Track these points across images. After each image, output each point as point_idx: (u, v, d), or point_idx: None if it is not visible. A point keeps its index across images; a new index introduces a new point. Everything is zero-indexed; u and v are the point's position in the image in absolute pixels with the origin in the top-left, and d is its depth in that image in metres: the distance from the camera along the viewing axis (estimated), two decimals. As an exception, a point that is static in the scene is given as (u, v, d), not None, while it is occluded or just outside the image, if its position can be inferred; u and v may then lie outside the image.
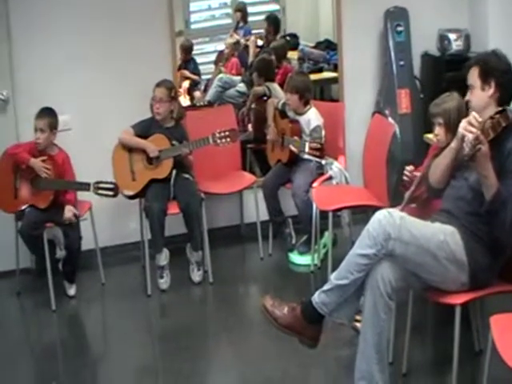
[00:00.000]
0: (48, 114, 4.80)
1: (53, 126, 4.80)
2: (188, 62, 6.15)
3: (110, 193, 4.78)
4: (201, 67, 6.30)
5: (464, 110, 3.66)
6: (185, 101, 6.02)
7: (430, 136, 4.59)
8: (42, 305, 4.83)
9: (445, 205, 3.41)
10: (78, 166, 4.95)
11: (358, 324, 3.47)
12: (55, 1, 5.14)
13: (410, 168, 3.87)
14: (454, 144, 3.30)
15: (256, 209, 5.42)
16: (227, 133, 4.97)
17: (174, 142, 4.99)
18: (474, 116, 3.09)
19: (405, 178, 3.87)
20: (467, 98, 3.39)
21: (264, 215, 5.44)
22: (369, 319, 3.19)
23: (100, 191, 4.76)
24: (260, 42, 6.36)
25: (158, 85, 4.99)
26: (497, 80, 3.26)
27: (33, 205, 4.76)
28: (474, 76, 3.32)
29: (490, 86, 3.27)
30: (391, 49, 5.77)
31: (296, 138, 5.16)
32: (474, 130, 3.01)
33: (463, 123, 3.10)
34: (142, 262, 5.18)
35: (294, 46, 6.36)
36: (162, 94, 4.98)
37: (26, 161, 4.75)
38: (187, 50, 6.09)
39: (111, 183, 4.79)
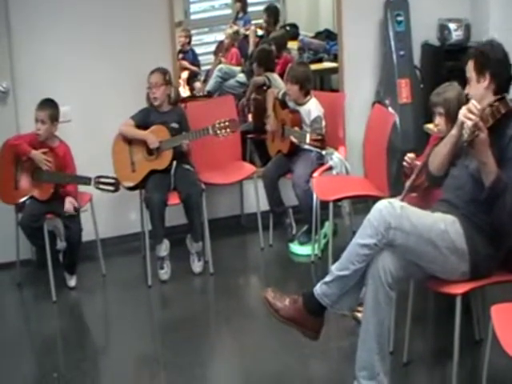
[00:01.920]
0: (49, 106, 4.78)
1: (54, 118, 4.78)
2: (187, 52, 6.15)
3: (111, 188, 4.77)
4: (200, 58, 6.30)
5: (464, 100, 3.66)
6: (184, 91, 6.01)
7: (430, 126, 4.59)
8: (42, 296, 4.84)
9: (445, 195, 3.41)
10: (78, 158, 4.93)
11: (359, 314, 3.47)
12: (54, -8, 5.15)
13: (410, 155, 3.87)
14: (454, 131, 3.31)
15: (256, 199, 5.41)
16: (227, 123, 4.94)
17: (173, 125, 5.00)
18: (473, 103, 3.10)
19: (405, 164, 3.87)
20: (466, 90, 3.40)
21: (264, 205, 5.44)
22: (370, 309, 3.19)
23: (101, 186, 4.75)
24: (260, 32, 6.35)
25: (152, 72, 5.03)
26: (491, 71, 3.26)
27: (33, 196, 4.76)
28: (470, 69, 3.32)
29: (484, 78, 3.27)
30: (391, 38, 5.75)
31: (296, 128, 5.16)
32: (473, 116, 3.02)
33: (463, 110, 3.11)
34: (143, 252, 5.19)
35: (294, 36, 6.35)
36: (157, 78, 5.01)
37: (27, 152, 4.74)
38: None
39: (112, 178, 4.78)
